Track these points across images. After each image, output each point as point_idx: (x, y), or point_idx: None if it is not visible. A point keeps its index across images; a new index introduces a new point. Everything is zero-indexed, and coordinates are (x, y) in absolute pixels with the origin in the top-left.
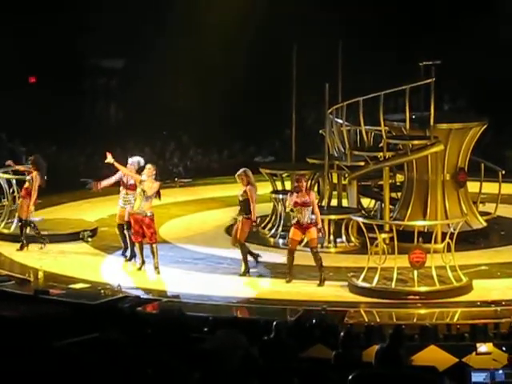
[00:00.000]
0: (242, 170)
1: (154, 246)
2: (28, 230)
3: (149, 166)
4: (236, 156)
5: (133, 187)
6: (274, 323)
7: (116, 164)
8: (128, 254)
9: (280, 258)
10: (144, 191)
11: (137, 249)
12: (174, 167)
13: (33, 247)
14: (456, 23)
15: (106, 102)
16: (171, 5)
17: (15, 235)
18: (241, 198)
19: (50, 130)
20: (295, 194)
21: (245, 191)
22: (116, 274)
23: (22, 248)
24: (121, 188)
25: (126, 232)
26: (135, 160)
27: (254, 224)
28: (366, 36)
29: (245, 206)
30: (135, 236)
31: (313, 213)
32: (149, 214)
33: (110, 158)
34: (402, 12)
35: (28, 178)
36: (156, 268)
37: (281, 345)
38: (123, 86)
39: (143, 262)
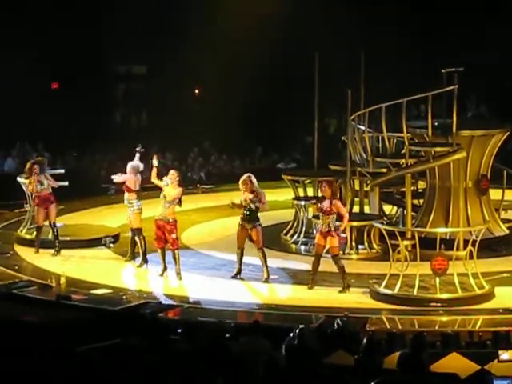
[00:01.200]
0: (246, 176)
1: (175, 251)
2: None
3: (172, 171)
4: (258, 162)
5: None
6: (298, 329)
7: (154, 170)
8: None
9: (302, 264)
10: (164, 197)
11: (159, 254)
12: (195, 173)
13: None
14: (477, 28)
15: (128, 108)
16: (194, 13)
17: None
18: (252, 207)
19: (71, 135)
20: (325, 200)
21: (255, 197)
22: (138, 279)
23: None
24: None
25: (136, 238)
26: (135, 164)
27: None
28: (389, 40)
29: (255, 212)
30: (158, 242)
31: (337, 220)
32: (171, 220)
33: (155, 162)
34: (418, 15)
35: (45, 184)
36: (178, 274)
37: (305, 350)
38: (145, 92)
39: (165, 268)
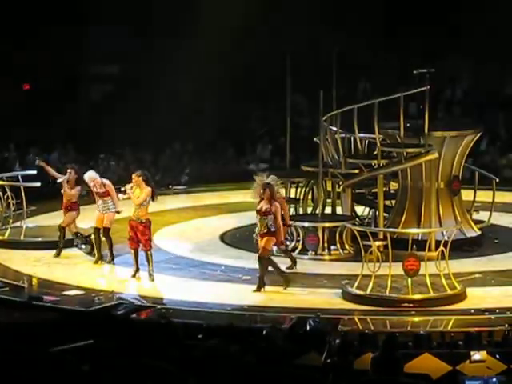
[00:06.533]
0: (266, 183)
1: (148, 252)
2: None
3: (134, 175)
4: (230, 163)
5: (106, 194)
6: (264, 331)
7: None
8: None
9: None
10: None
11: (131, 255)
12: (168, 174)
13: (30, 254)
14: (449, 28)
15: (102, 108)
16: (164, 13)
17: (8, 242)
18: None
19: (43, 135)
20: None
21: (272, 205)
22: (110, 280)
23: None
24: (96, 198)
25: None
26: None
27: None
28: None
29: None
30: (130, 242)
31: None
32: (144, 221)
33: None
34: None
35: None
36: (150, 275)
37: (274, 351)
38: (119, 92)
39: (137, 269)
